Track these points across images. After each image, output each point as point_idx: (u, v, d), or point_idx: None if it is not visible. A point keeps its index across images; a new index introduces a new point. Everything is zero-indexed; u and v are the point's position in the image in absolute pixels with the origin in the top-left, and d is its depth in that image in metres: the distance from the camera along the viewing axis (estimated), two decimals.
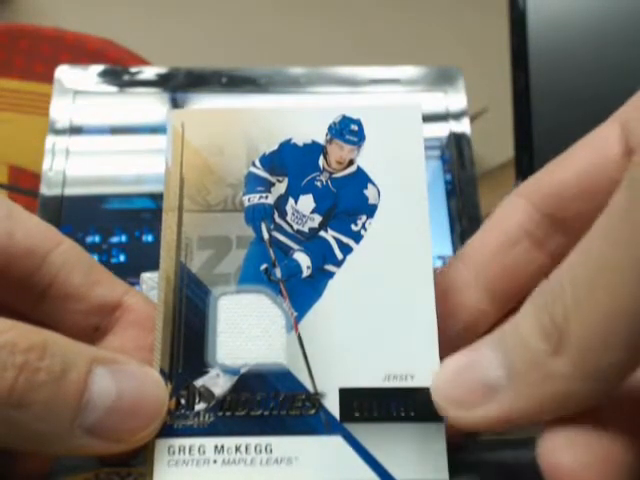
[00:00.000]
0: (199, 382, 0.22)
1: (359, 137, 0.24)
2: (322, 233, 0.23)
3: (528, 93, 0.47)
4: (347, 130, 0.24)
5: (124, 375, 0.20)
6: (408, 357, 0.22)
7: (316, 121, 0.24)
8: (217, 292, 0.23)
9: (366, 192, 0.23)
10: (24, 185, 0.65)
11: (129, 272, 0.43)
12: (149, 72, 0.54)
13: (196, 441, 0.21)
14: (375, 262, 0.23)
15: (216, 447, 0.21)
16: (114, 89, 0.53)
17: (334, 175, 0.24)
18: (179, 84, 0.54)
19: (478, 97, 0.65)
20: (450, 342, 0.21)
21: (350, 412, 0.21)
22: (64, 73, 0.53)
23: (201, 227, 0.23)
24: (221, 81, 0.54)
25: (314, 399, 0.21)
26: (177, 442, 0.21)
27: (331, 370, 0.22)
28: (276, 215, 0.23)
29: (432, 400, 0.21)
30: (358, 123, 0.24)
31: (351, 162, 0.24)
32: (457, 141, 0.53)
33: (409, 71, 0.55)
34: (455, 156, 0.52)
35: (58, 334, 0.20)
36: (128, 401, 0.20)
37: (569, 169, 0.22)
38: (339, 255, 0.23)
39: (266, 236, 0.23)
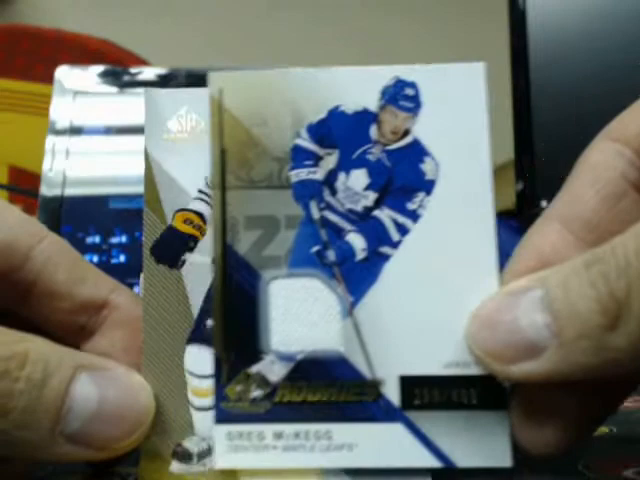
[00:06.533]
0: (254, 369, 0.21)
1: (415, 103, 0.22)
2: (377, 212, 0.22)
3: (528, 93, 0.47)
4: (402, 95, 0.21)
5: (108, 382, 0.20)
6: None
7: (367, 85, 0.22)
8: (267, 276, 0.21)
9: (423, 166, 0.21)
10: (24, 185, 0.65)
11: (129, 272, 0.42)
12: (149, 72, 0.54)
13: (254, 428, 0.21)
14: (434, 243, 0.21)
15: (275, 433, 0.21)
16: (114, 89, 0.53)
17: (388, 147, 0.22)
18: (179, 84, 0.54)
19: None
20: None
21: (411, 400, 0.21)
22: (64, 73, 0.53)
23: (246, 206, 0.22)
24: None
25: (372, 386, 0.21)
26: (235, 428, 0.21)
27: (390, 357, 0.21)
28: (326, 192, 0.22)
29: (467, 345, 0.20)
30: (414, 86, 0.22)
31: (406, 132, 0.22)
32: None
33: None
34: None
35: (43, 340, 0.20)
36: (111, 409, 0.20)
37: None
38: (395, 236, 0.21)
39: (317, 216, 0.22)
